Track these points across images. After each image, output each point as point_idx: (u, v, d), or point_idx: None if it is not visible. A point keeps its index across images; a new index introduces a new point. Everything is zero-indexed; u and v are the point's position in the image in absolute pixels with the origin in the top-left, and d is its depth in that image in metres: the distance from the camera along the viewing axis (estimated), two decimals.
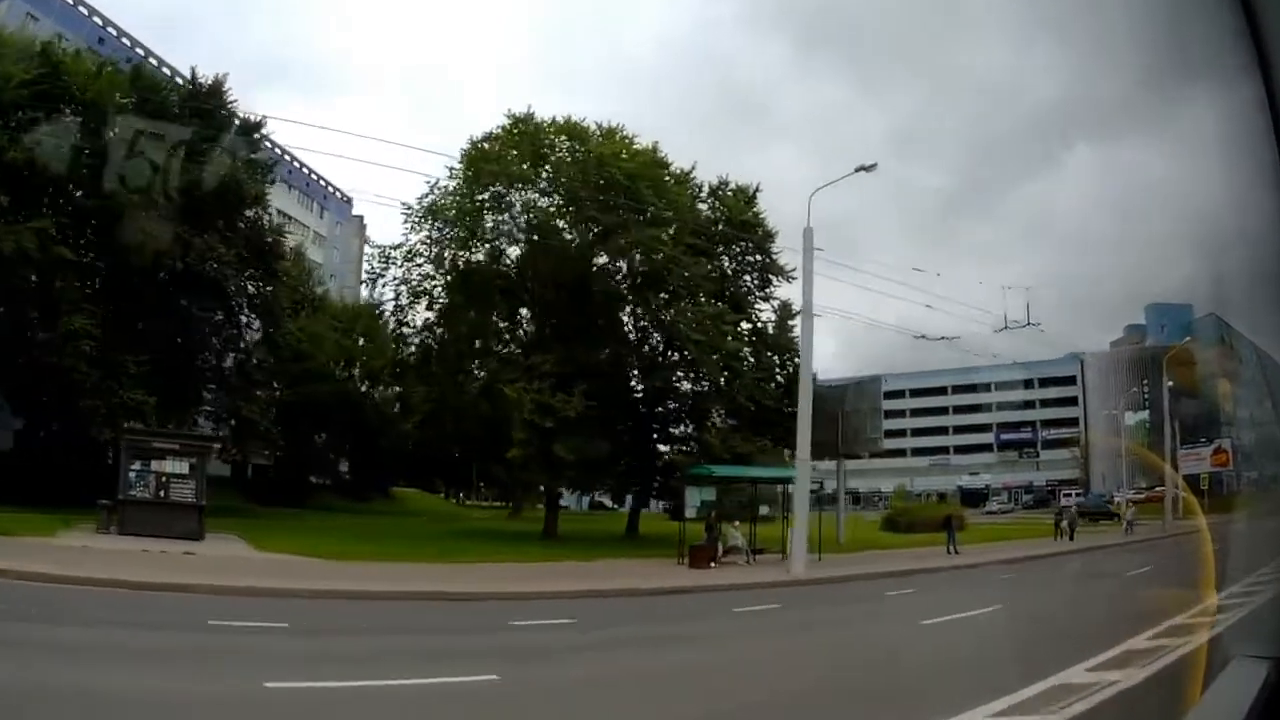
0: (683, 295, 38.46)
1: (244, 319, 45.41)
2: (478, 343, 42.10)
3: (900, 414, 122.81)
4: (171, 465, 27.90)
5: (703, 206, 42.10)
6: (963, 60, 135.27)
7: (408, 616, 16.80)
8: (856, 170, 29.38)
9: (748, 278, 43.30)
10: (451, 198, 40.06)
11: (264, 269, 44.26)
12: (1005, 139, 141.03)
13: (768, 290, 42.88)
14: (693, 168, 41.74)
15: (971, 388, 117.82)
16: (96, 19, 59.39)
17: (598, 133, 39.10)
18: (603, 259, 39.60)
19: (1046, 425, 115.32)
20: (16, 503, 27.37)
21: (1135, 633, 13.28)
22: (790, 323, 42.15)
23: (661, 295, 38.95)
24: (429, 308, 43.26)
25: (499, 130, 39.77)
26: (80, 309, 34.98)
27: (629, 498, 51.24)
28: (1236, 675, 3.88)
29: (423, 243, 41.78)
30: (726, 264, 42.38)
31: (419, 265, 42.06)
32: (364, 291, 52.10)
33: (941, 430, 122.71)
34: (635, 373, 42.05)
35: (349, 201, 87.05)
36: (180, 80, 43.65)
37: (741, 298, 42.29)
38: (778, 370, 42.00)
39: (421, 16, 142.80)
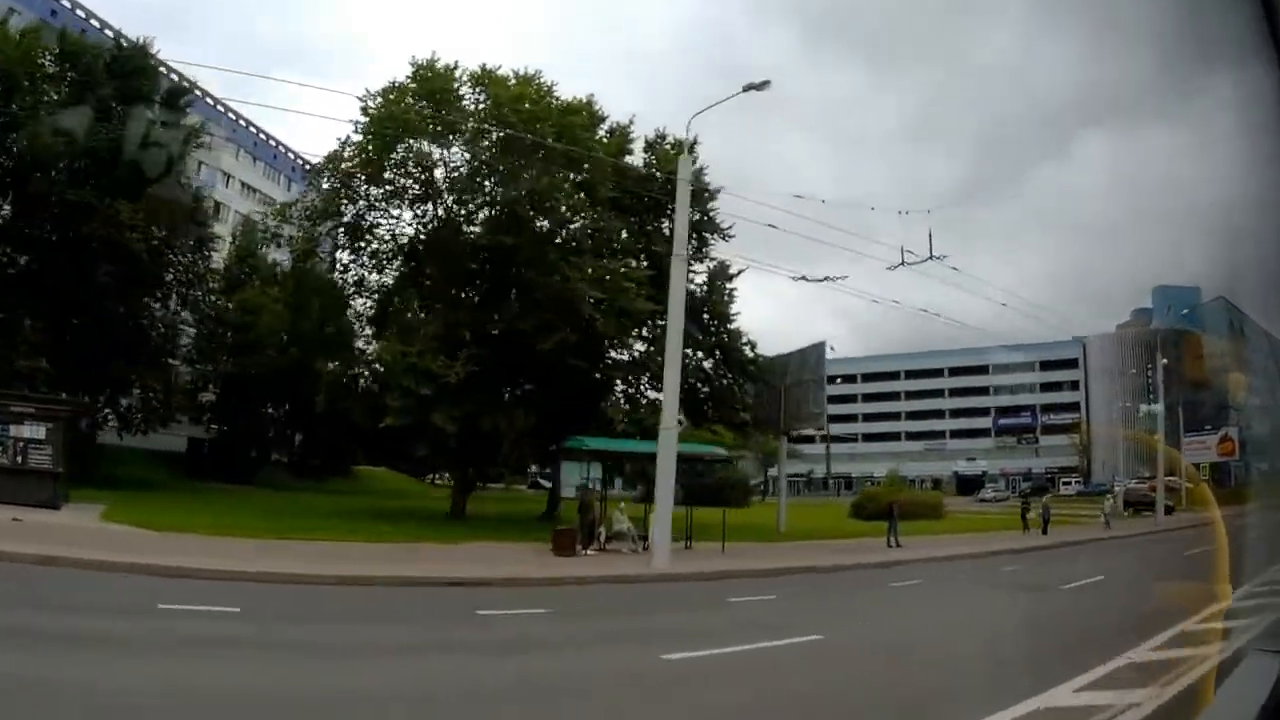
0: (586, 250, 34.87)
1: (167, 289, 43.51)
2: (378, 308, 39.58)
3: (895, 396, 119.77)
4: (29, 430, 25.76)
5: (636, 160, 38.26)
6: (975, 47, 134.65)
7: (103, 590, 14.44)
8: (745, 89, 25.23)
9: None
10: (356, 151, 36.84)
11: (186, 237, 42.69)
12: (1018, 126, 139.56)
13: (705, 250, 38.96)
14: (630, 120, 38.32)
15: (969, 370, 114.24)
16: None
17: (513, 80, 35.55)
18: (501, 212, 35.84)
19: (1047, 410, 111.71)
20: None
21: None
22: (728, 285, 39.54)
23: (566, 251, 34.88)
24: (338, 270, 40.33)
25: (404, 80, 36.16)
26: None
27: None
28: (1250, 670, 4.12)
29: (320, 200, 38.63)
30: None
31: (322, 225, 38.81)
32: (271, 253, 48.37)
33: (937, 413, 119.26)
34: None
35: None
36: (119, 45, 41.91)
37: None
38: (712, 337, 38.85)
39: (433, 4, 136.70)
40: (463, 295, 37.01)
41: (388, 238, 38.65)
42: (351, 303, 39.72)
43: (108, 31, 48.48)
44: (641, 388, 38.97)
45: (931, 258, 29.67)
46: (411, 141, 35.75)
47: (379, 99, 35.46)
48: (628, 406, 37.57)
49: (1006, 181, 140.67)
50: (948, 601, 19.10)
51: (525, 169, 33.33)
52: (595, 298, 33.22)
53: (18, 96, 36.05)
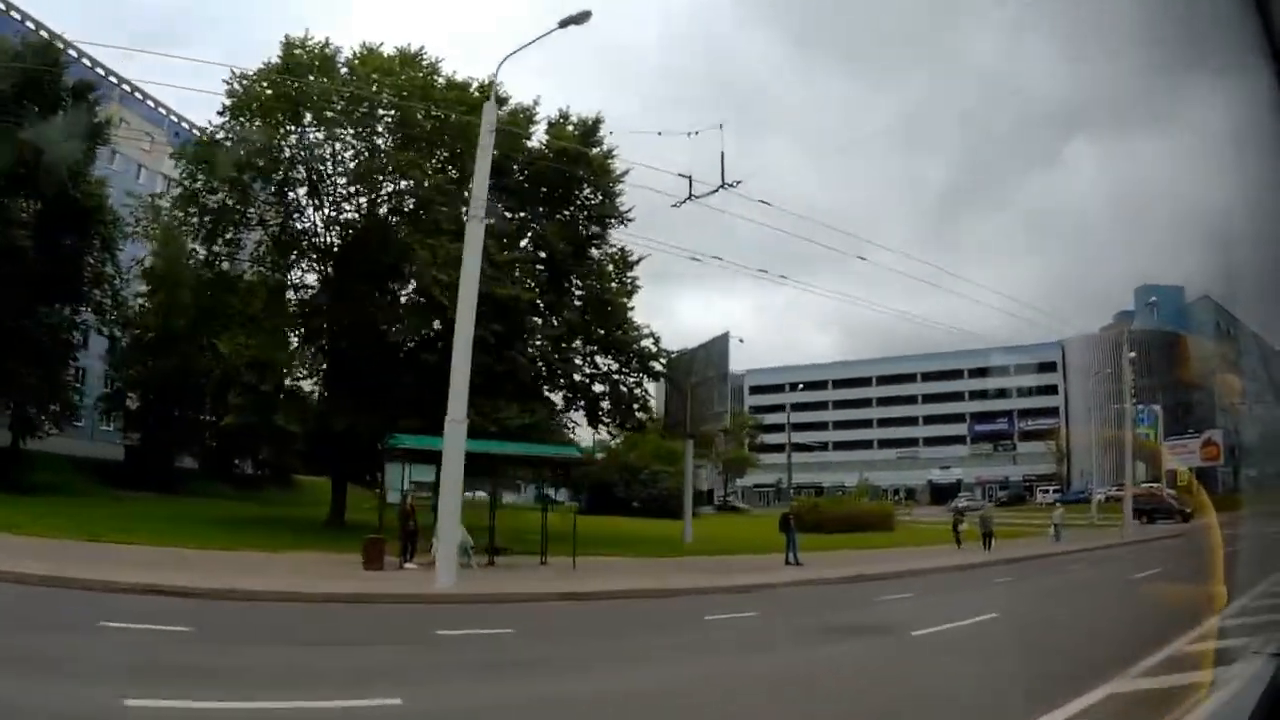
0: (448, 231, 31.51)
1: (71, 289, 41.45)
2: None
3: (866, 403, 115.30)
4: None
5: (535, 144, 35.51)
6: (964, 52, 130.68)
7: None
8: (561, 24, 20.57)
9: (583, 221, 36.48)
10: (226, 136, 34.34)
11: (85, 235, 40.73)
12: (1007, 132, 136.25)
13: (604, 235, 36.35)
14: (535, 102, 35.35)
15: (942, 375, 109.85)
16: None
17: (396, 59, 33.77)
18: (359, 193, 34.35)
19: (1024, 415, 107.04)
20: None
21: None
22: (630, 275, 36.52)
23: (424, 234, 31.82)
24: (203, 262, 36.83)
25: (274, 61, 33.68)
26: None
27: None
28: (1245, 671, 4.18)
29: (188, 187, 35.29)
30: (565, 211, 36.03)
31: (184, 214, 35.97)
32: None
33: (910, 420, 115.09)
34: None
35: None
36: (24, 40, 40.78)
37: (555, 239, 35.08)
38: (613, 331, 35.51)
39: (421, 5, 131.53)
40: (322, 285, 34.60)
41: (247, 226, 35.64)
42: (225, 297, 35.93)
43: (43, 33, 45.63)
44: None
45: (723, 186, 24.42)
46: (274, 123, 33.24)
47: (247, 81, 33.31)
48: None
49: (995, 187, 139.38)
50: (707, 656, 13.45)
51: (395, 150, 32.04)
52: (446, 280, 29.50)
53: None
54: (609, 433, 41.65)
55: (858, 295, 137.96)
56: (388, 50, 33.94)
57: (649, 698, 10.00)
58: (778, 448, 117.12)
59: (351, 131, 32.96)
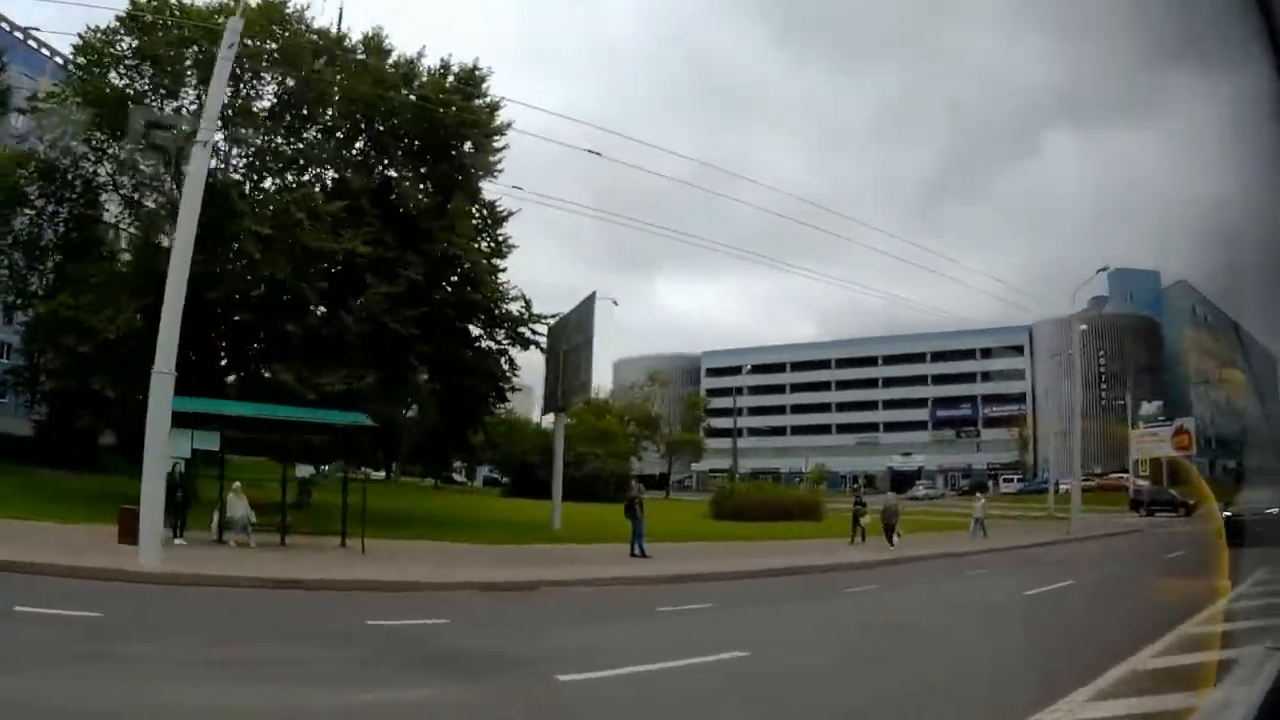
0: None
1: None
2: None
3: (825, 386, 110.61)
4: None
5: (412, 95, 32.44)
6: (951, 44, 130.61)
7: None
8: None
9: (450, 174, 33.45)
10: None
11: None
12: (991, 122, 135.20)
13: (473, 190, 33.57)
14: (419, 53, 33.17)
15: (905, 358, 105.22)
16: None
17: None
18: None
19: (989, 401, 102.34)
20: None
21: None
22: (500, 234, 34.13)
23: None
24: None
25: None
26: None
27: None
28: (1250, 665, 4.57)
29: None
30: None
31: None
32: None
33: (870, 405, 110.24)
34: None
35: None
36: None
37: (411, 193, 32.68)
38: (466, 291, 32.42)
39: None
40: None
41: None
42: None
43: None
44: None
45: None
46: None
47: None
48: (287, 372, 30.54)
49: (978, 177, 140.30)
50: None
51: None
52: (261, 233, 27.59)
53: None
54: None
55: (840, 277, 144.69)
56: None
57: None
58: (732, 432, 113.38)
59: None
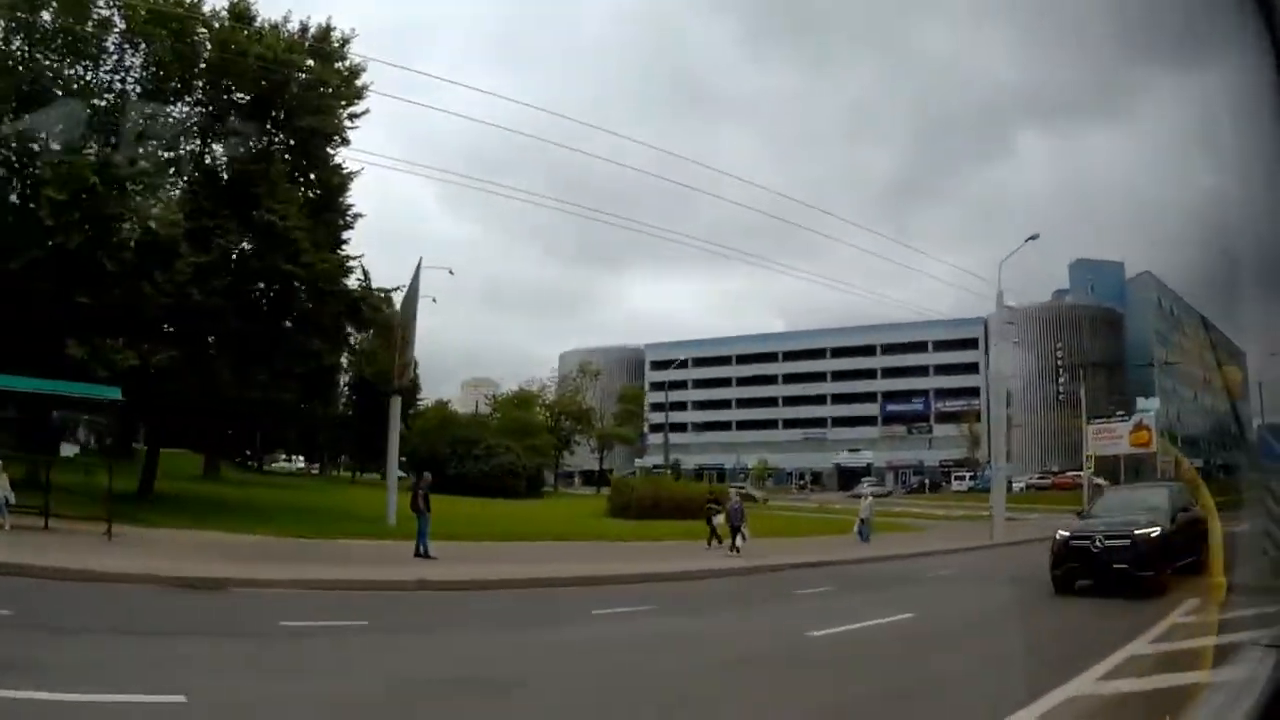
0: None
1: None
2: None
3: (771, 379, 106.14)
4: None
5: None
6: (919, 42, 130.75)
7: None
8: None
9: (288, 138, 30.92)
10: None
11: None
12: (960, 121, 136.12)
13: (321, 157, 30.98)
14: (284, 17, 30.23)
15: (854, 350, 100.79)
16: None
17: None
18: None
19: (942, 395, 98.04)
20: None
21: None
22: (344, 200, 31.47)
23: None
24: None
25: None
26: None
27: None
28: (1245, 662, 4.39)
29: None
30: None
31: None
32: None
33: (818, 399, 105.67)
34: None
35: None
36: None
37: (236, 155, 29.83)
38: (283, 263, 28.49)
39: None
40: None
41: None
42: None
43: None
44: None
45: None
46: None
47: None
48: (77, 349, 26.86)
49: (946, 175, 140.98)
50: None
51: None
52: (56, 199, 24.68)
53: None
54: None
55: (810, 271, 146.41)
56: None
57: None
58: (678, 426, 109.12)
59: None
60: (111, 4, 27.95)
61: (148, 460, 31.28)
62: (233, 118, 29.60)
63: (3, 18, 27.68)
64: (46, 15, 27.64)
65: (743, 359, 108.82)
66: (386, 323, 32.85)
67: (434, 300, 33.74)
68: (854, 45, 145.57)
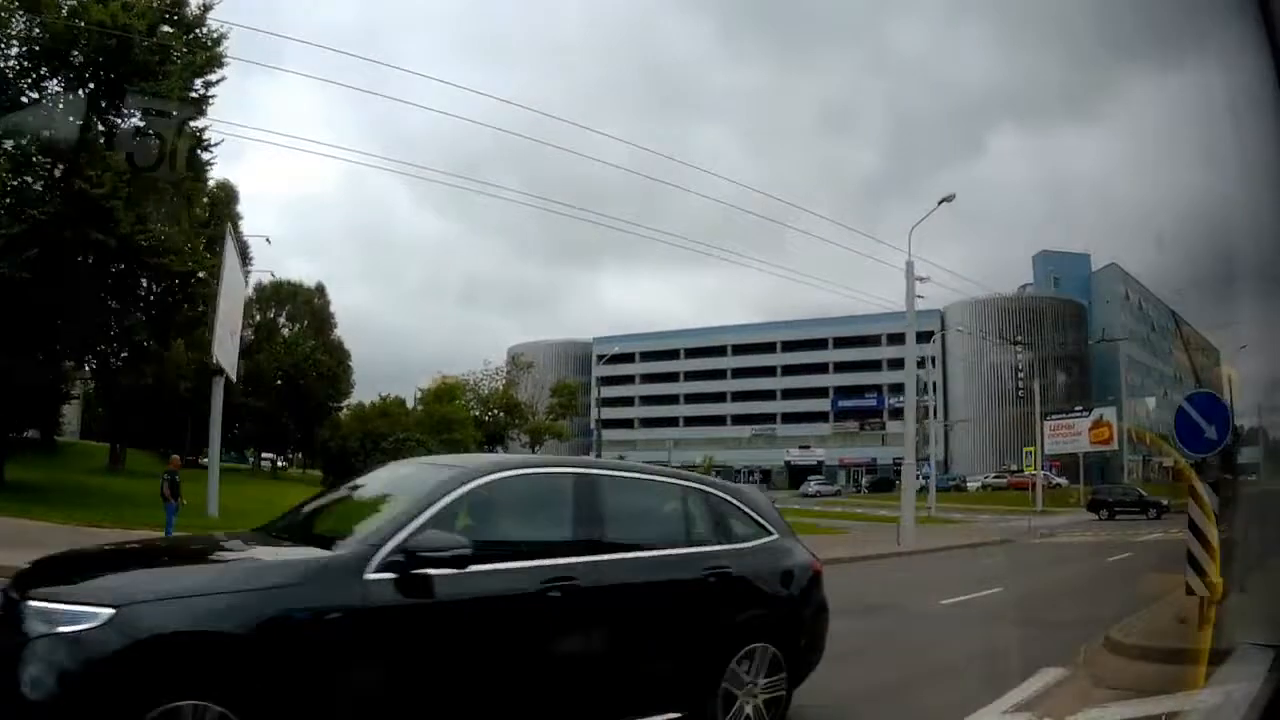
0: None
1: None
2: None
3: (720, 374, 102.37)
4: None
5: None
6: (893, 41, 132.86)
7: None
8: None
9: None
10: None
11: None
12: (934, 120, 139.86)
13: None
14: None
15: (805, 344, 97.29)
16: None
17: None
18: None
19: (896, 391, 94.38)
20: None
21: None
22: (203, 175, 32.66)
23: None
24: None
25: None
26: None
27: None
28: (1241, 663, 4.35)
29: None
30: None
31: None
32: None
33: (768, 394, 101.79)
34: None
35: None
36: None
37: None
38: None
39: None
40: None
41: None
42: None
43: None
44: None
45: None
46: None
47: None
48: None
49: (922, 174, 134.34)
50: None
51: None
52: None
53: None
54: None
55: (782, 265, 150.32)
56: None
57: None
58: (624, 422, 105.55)
59: None
60: None
61: None
62: (56, 82, 28.44)
63: None
64: None
65: (691, 352, 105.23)
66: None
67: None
68: (829, 44, 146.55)
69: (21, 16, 27.34)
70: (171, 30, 29.54)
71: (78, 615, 4.23)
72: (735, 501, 7.05)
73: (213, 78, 29.90)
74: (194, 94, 29.77)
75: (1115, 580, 18.82)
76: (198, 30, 30.17)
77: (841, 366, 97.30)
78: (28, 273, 24.62)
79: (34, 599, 4.41)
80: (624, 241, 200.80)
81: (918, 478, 73.65)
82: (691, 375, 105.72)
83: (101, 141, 27.68)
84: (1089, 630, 10.78)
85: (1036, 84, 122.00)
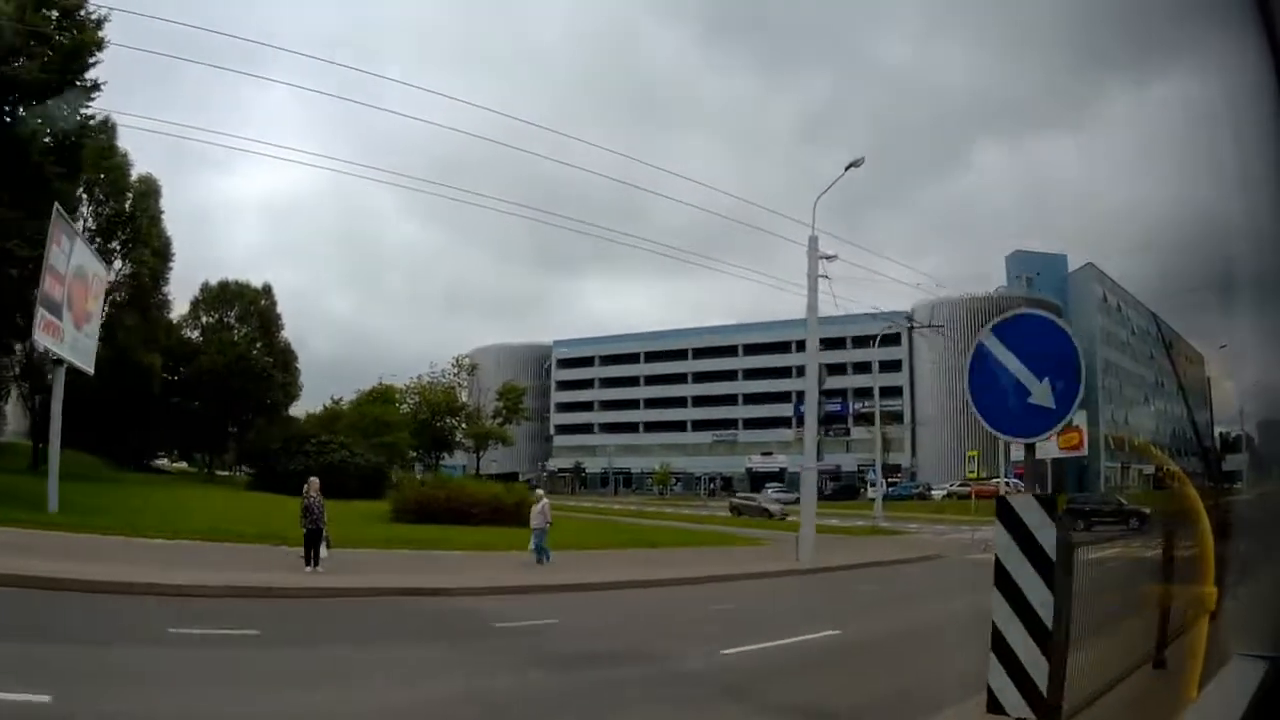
0: None
1: None
2: None
3: (681, 378, 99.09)
4: None
5: None
6: (873, 50, 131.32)
7: None
8: None
9: None
10: None
11: None
12: (916, 130, 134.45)
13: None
14: None
15: (768, 347, 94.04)
16: None
17: None
18: None
19: (862, 395, 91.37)
20: None
21: None
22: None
23: None
24: None
25: None
26: None
27: None
28: (1234, 674, 4.08)
29: None
30: None
31: None
32: None
33: (729, 399, 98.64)
34: None
35: None
36: None
37: None
38: None
39: None
40: None
41: None
42: None
43: None
44: None
45: None
46: None
47: None
48: None
49: (904, 184, 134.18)
50: None
51: None
52: None
53: None
54: None
55: (764, 274, 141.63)
56: None
57: None
58: (584, 427, 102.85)
59: None
60: None
61: None
62: None
63: None
64: None
65: (651, 356, 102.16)
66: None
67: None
68: (810, 54, 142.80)
69: None
70: (50, 13, 29.57)
71: None
72: None
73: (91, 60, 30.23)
74: (80, 82, 30.22)
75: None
76: (78, 13, 30.18)
77: (805, 370, 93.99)
78: None
79: None
80: (606, 247, 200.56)
81: (880, 485, 70.87)
82: (652, 379, 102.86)
83: None
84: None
85: (1019, 93, 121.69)
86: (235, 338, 65.55)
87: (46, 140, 31.74)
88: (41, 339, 26.90)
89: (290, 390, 69.11)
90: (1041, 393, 6.52)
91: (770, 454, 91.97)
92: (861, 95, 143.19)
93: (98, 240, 52.11)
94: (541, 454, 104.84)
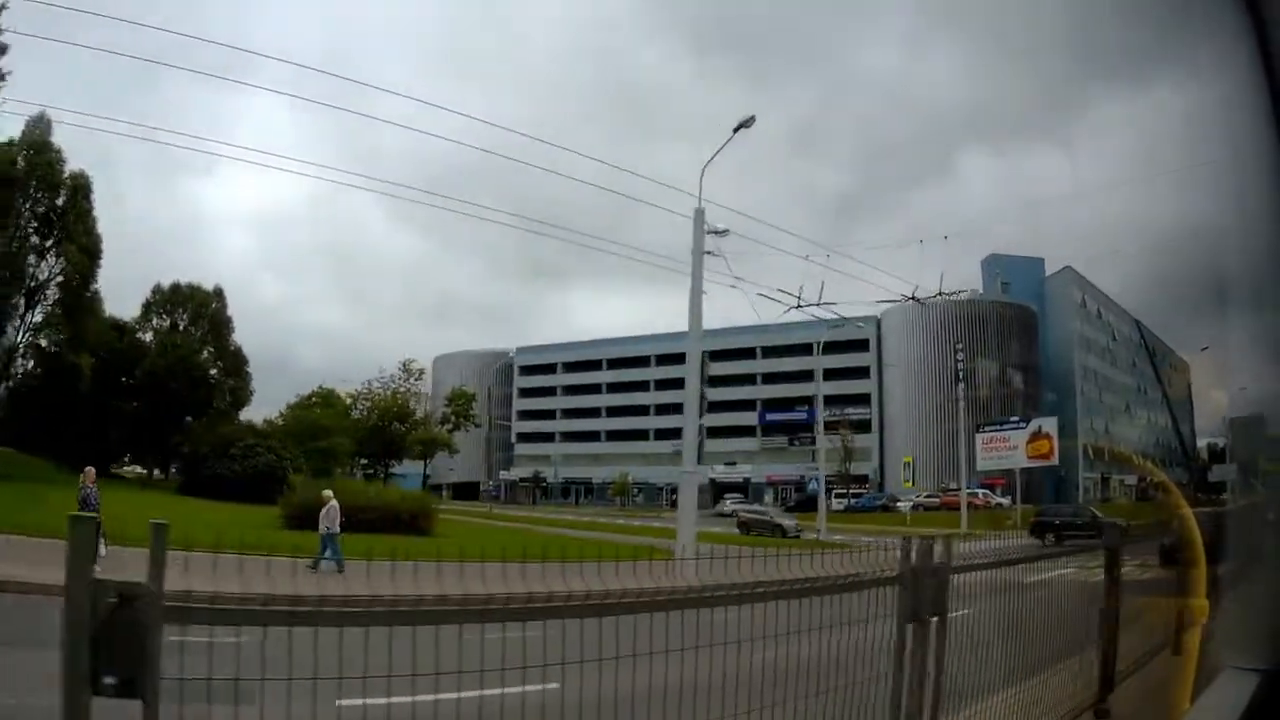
0: None
1: None
2: None
3: (642, 386, 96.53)
4: None
5: None
6: (861, 60, 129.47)
7: None
8: None
9: None
10: None
11: None
12: (904, 141, 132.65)
13: None
14: None
15: (730, 354, 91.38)
16: None
17: None
18: None
19: (829, 403, 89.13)
20: None
21: None
22: None
23: None
24: None
25: None
26: None
27: None
28: (1225, 687, 4.08)
29: None
30: None
31: None
32: None
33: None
34: None
35: None
36: None
37: None
38: None
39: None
40: None
41: None
42: None
43: None
44: None
45: None
46: None
47: None
48: None
49: (890, 194, 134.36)
50: None
51: None
52: None
53: None
54: None
55: (753, 284, 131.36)
56: None
57: None
58: (546, 436, 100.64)
59: None
60: None
61: None
62: None
63: None
64: None
65: (614, 363, 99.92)
66: None
67: None
68: (798, 65, 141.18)
69: None
70: None
71: None
72: None
73: None
74: None
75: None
76: None
77: (771, 378, 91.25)
78: None
79: None
80: (594, 257, 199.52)
81: (845, 497, 68.83)
82: (614, 387, 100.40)
83: None
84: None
85: (1005, 103, 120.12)
86: (178, 339, 63.88)
87: None
88: None
89: (240, 395, 67.50)
90: None
91: (734, 464, 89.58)
92: (849, 105, 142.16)
93: (33, 238, 50.47)
94: (504, 463, 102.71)
